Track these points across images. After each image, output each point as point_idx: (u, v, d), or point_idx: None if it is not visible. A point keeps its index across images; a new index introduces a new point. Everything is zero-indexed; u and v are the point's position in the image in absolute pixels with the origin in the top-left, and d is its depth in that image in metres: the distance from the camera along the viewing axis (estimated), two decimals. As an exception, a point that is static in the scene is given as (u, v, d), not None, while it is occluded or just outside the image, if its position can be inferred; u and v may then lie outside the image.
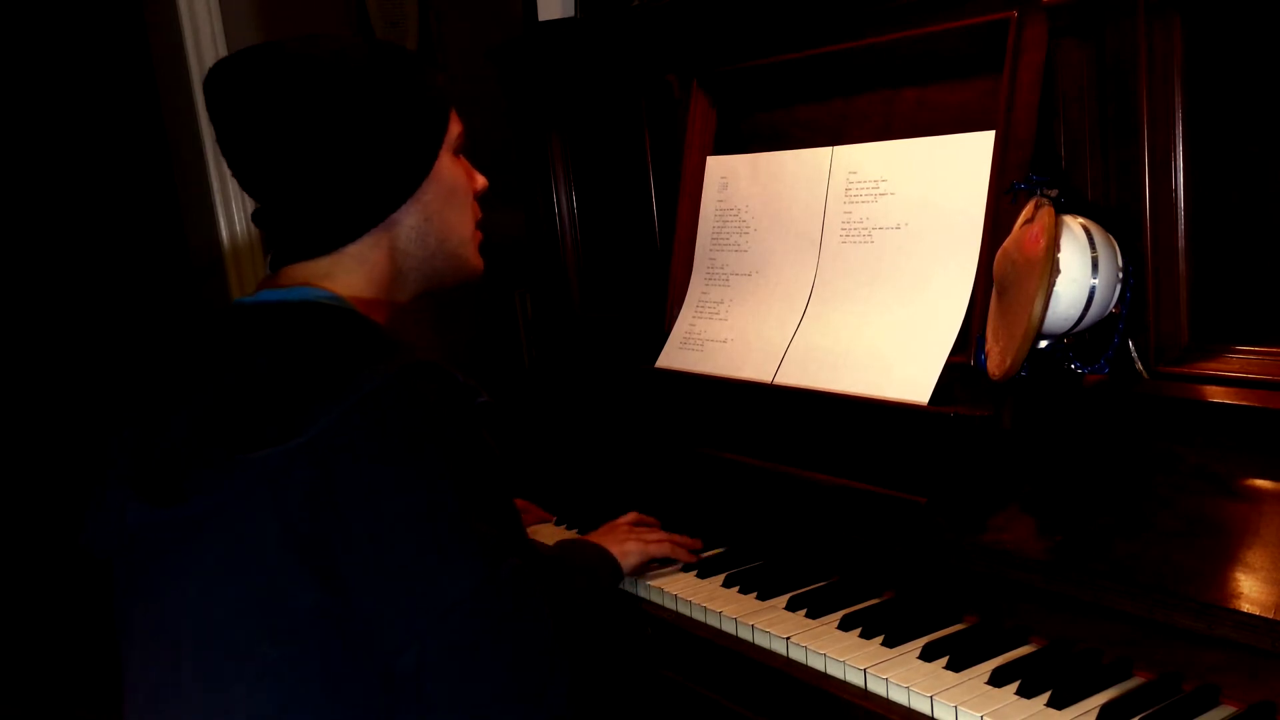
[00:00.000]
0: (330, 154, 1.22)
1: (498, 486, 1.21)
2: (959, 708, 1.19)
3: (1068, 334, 1.35)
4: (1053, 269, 1.27)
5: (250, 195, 1.29)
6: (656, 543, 1.60)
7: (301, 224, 1.26)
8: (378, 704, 1.12)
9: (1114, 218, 1.34)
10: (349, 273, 1.28)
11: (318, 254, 1.27)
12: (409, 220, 1.30)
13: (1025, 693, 1.20)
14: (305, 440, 1.08)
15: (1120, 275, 1.33)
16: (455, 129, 1.34)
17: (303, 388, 1.12)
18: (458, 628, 1.10)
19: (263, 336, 1.20)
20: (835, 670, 1.33)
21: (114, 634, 1.26)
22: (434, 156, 1.31)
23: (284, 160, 1.22)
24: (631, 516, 1.68)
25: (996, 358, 1.35)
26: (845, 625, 1.40)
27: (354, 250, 1.28)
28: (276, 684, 1.12)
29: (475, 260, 1.39)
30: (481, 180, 1.39)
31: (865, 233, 1.66)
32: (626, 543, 1.57)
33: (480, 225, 1.40)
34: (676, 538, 1.65)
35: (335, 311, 1.23)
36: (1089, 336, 1.37)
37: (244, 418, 1.13)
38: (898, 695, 1.26)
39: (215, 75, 1.25)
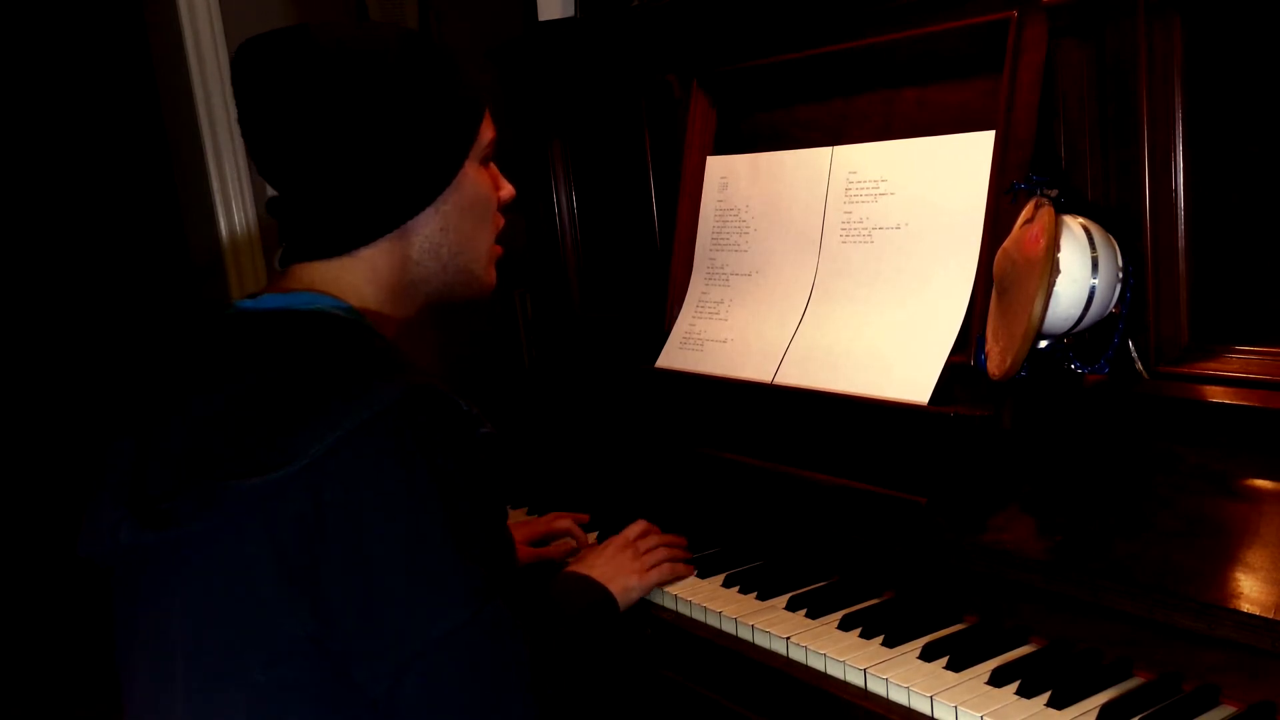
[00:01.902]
0: (350, 149, 1.18)
1: (492, 522, 1.18)
2: (959, 708, 1.19)
3: (1068, 334, 1.35)
4: (1053, 269, 1.27)
5: (268, 181, 1.24)
6: (656, 568, 1.57)
7: (314, 220, 1.22)
8: None
9: (1114, 218, 1.34)
10: (357, 278, 1.24)
11: (327, 254, 1.23)
12: (426, 229, 1.25)
13: (1025, 693, 1.20)
14: (299, 468, 1.06)
15: (1120, 275, 1.33)
16: (487, 135, 1.27)
17: (298, 411, 1.09)
18: (436, 664, 1.09)
19: (262, 349, 1.17)
20: (835, 670, 1.33)
21: (113, 638, 1.25)
22: (460, 163, 1.24)
23: (302, 149, 1.18)
24: (639, 528, 1.63)
25: (996, 358, 1.35)
26: (845, 625, 1.40)
27: (366, 255, 1.23)
28: (267, 707, 1.10)
29: (488, 278, 1.33)
30: (508, 189, 1.34)
31: (865, 233, 1.66)
32: (629, 577, 1.53)
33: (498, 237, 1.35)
34: (674, 546, 1.63)
35: (341, 323, 1.18)
36: (1089, 336, 1.37)
37: (238, 442, 1.10)
38: (898, 695, 1.26)
39: (244, 53, 1.20)
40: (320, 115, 1.17)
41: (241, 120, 1.22)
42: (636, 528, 1.63)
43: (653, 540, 1.61)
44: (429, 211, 1.24)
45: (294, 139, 1.19)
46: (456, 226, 1.27)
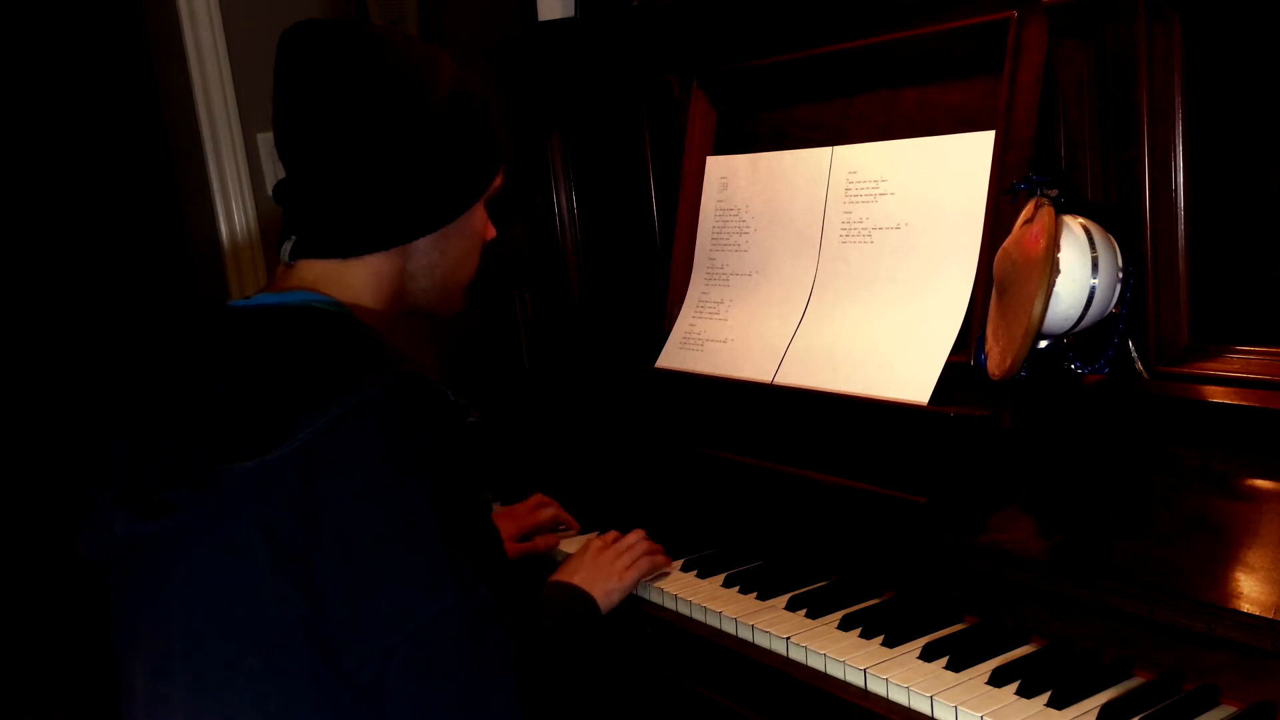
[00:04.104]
0: (392, 162, 1.24)
1: (478, 510, 1.21)
2: (959, 708, 1.19)
3: (1068, 334, 1.35)
4: (1053, 269, 1.27)
5: (291, 169, 1.28)
6: (633, 567, 1.58)
7: (335, 220, 1.26)
8: (363, 715, 1.12)
9: (1114, 218, 1.34)
10: (359, 279, 1.28)
11: (341, 254, 1.27)
12: (426, 248, 1.32)
13: (1025, 693, 1.20)
14: (290, 451, 1.08)
15: (1120, 275, 1.33)
16: (498, 182, 1.37)
17: (290, 397, 1.11)
18: (421, 650, 1.09)
19: (256, 343, 1.19)
20: (835, 670, 1.33)
21: (110, 637, 1.26)
22: (476, 200, 1.34)
23: (345, 150, 1.23)
24: (610, 536, 1.63)
25: (996, 358, 1.35)
26: (845, 625, 1.40)
27: (372, 260, 1.28)
28: (264, 694, 1.11)
29: (462, 301, 1.42)
30: (492, 231, 1.42)
31: (865, 233, 1.66)
32: (609, 580, 1.55)
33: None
34: (646, 538, 1.64)
35: (331, 317, 1.22)
36: (1089, 336, 1.37)
37: (231, 429, 1.12)
38: (898, 695, 1.26)
39: (302, 37, 1.24)
40: (375, 123, 1.23)
41: (283, 103, 1.26)
42: (609, 535, 1.64)
43: (632, 538, 1.63)
44: (434, 235, 1.31)
45: (340, 138, 1.23)
46: (454, 252, 1.35)
